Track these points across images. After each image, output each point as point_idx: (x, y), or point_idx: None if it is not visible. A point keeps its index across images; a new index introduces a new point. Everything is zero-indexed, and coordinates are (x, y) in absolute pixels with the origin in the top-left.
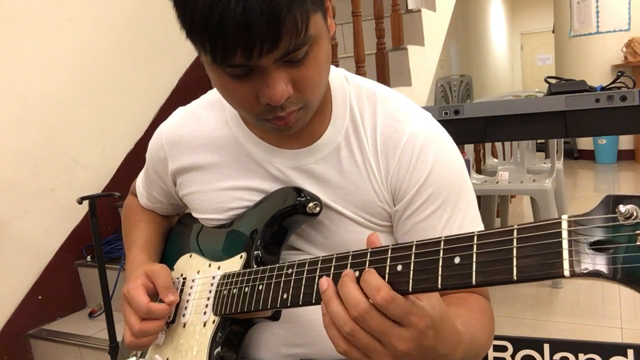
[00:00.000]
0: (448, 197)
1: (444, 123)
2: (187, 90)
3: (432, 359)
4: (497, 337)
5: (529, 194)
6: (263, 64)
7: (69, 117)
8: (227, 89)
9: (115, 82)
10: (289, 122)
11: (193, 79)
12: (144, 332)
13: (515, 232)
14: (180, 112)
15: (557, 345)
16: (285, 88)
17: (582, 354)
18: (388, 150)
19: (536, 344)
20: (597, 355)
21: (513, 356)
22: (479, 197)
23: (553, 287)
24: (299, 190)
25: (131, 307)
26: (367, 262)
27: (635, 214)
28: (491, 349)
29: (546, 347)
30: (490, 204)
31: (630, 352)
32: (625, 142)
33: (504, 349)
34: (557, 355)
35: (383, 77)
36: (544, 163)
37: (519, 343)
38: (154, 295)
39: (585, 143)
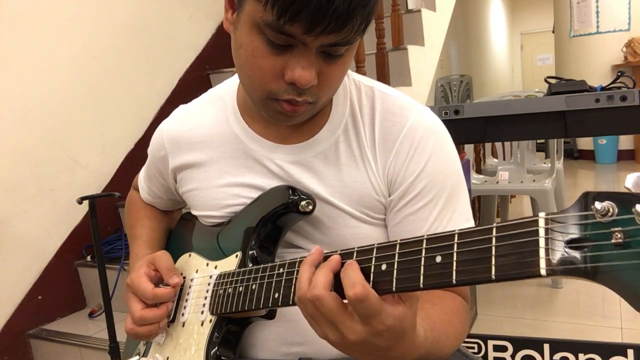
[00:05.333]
0: (441, 191)
1: (444, 123)
2: (187, 90)
3: (376, 355)
4: (497, 337)
5: (529, 194)
6: (311, 44)
7: (69, 117)
8: (257, 55)
9: (115, 82)
10: (297, 111)
11: (193, 79)
12: (144, 319)
13: (494, 230)
14: (181, 110)
15: (557, 345)
16: (315, 76)
17: (582, 354)
18: (386, 144)
19: (536, 344)
20: (597, 355)
21: (513, 356)
22: (479, 197)
23: (553, 287)
24: (292, 189)
25: (136, 296)
26: None
27: (611, 210)
28: (491, 348)
29: (546, 347)
30: (490, 204)
31: (630, 352)
32: (625, 142)
33: (504, 349)
34: (557, 355)
35: (383, 77)
36: (544, 163)
37: (519, 343)
38: (158, 283)
39: (585, 143)
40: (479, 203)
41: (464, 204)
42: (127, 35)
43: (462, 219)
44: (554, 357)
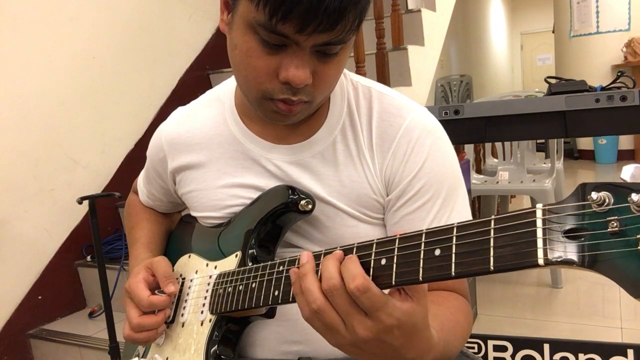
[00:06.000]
0: (439, 190)
1: (444, 123)
2: (187, 90)
3: (392, 356)
4: (497, 337)
5: (529, 194)
6: (304, 44)
7: (68, 117)
8: (251, 55)
9: (115, 82)
10: (292, 110)
11: (193, 79)
12: (141, 326)
13: (492, 222)
14: (179, 112)
15: (557, 345)
16: (309, 75)
17: (582, 354)
18: (384, 144)
19: (536, 344)
20: (597, 355)
21: (513, 356)
22: (479, 197)
23: (553, 287)
24: (291, 188)
25: (133, 302)
26: None
27: (607, 200)
28: (491, 348)
29: (546, 347)
30: (490, 204)
31: (630, 352)
32: (625, 142)
33: (504, 349)
34: (557, 355)
35: (383, 77)
36: (544, 163)
37: (519, 343)
38: (155, 289)
39: (585, 143)
40: (479, 203)
41: (462, 203)
42: (127, 35)
43: (460, 217)
44: (554, 357)
